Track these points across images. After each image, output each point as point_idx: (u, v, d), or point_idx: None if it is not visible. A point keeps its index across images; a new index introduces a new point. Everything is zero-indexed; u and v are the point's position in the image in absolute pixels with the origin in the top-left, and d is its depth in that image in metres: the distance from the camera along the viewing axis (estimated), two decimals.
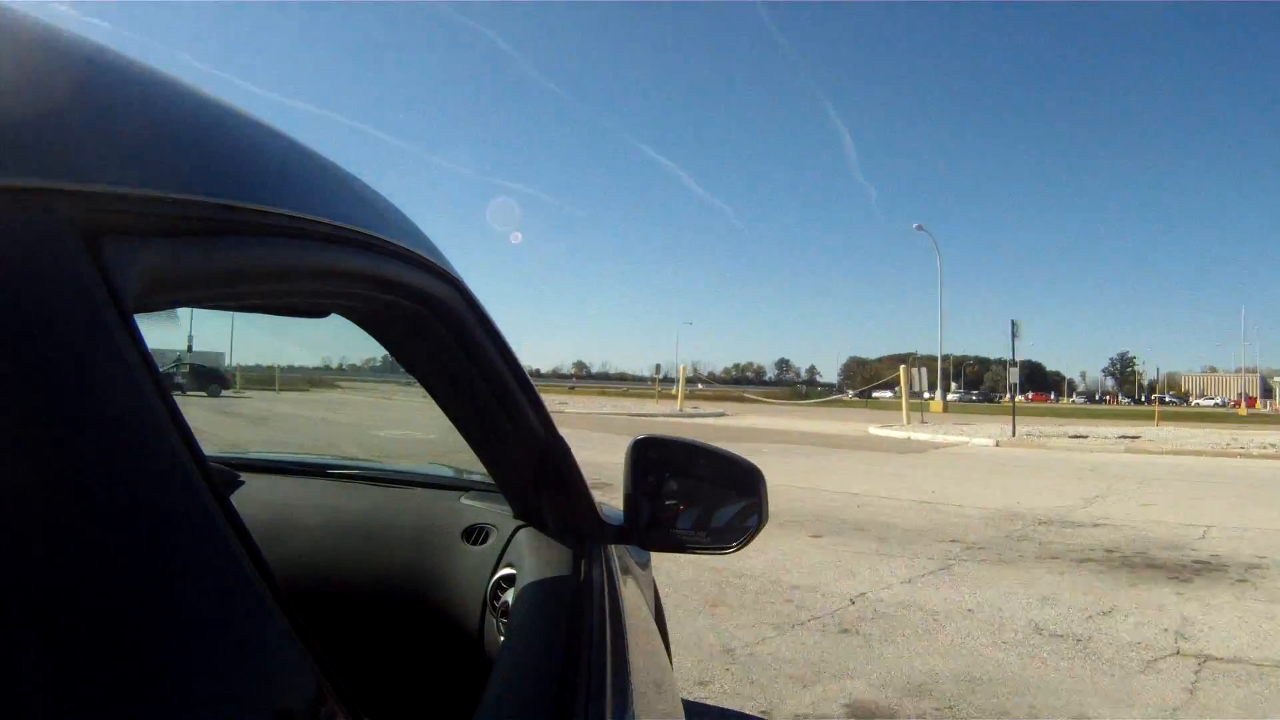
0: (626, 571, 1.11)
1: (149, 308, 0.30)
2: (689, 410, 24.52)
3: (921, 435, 15.14)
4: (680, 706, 1.01)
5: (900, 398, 20.52)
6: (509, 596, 0.94)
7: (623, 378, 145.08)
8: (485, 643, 1.02)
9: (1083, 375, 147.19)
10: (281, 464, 1.39)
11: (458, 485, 1.26)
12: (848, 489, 7.10)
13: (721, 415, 23.01)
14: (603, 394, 47.86)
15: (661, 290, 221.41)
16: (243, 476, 1.23)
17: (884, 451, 11.74)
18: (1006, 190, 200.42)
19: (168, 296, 0.31)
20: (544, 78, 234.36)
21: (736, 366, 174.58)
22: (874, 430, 16.63)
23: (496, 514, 1.11)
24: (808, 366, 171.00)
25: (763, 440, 12.85)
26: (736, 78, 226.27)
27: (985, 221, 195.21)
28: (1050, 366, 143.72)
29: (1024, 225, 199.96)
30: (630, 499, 0.87)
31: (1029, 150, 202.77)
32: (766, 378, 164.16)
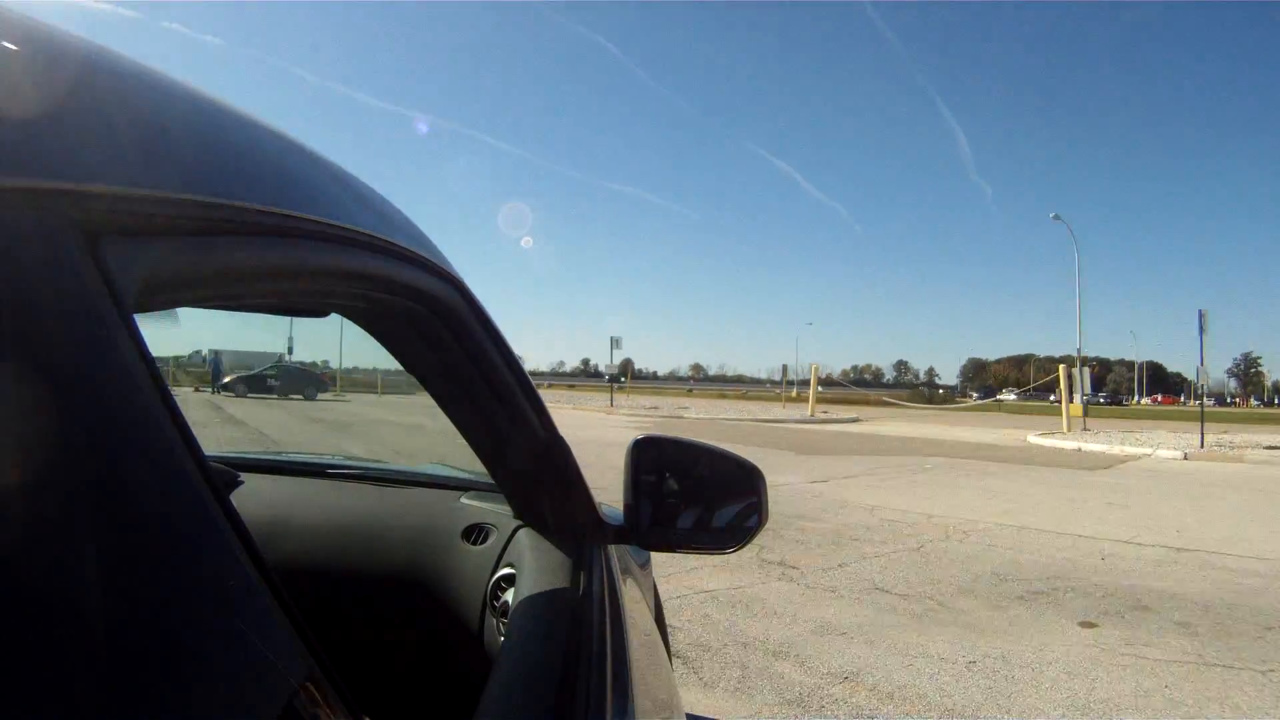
0: (626, 572, 1.10)
1: (149, 308, 0.30)
2: (820, 415, 22.09)
3: (1094, 446, 12.96)
4: (681, 707, 1.00)
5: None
6: (509, 596, 0.94)
7: (740, 380, 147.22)
8: (485, 643, 1.01)
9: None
10: (281, 464, 1.39)
11: (458, 485, 1.25)
12: (1067, 528, 5.55)
13: (856, 421, 20.78)
14: (721, 397, 45.39)
15: (777, 292, 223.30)
16: (243, 476, 1.24)
17: (1064, 468, 9.89)
18: (1121, 187, 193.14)
19: (168, 296, 0.31)
20: (655, 83, 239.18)
21: (854, 368, 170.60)
22: (1034, 439, 14.69)
23: (496, 514, 1.11)
24: (926, 368, 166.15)
25: (915, 451, 11.37)
26: (847, 78, 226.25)
27: (1101, 220, 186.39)
28: (1169, 367, 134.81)
29: (1139, 223, 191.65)
30: (630, 499, 0.87)
31: (1144, 145, 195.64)
32: (885, 380, 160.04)
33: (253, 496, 1.20)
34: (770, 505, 0.91)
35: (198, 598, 0.25)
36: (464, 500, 1.19)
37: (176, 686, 0.23)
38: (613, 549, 1.02)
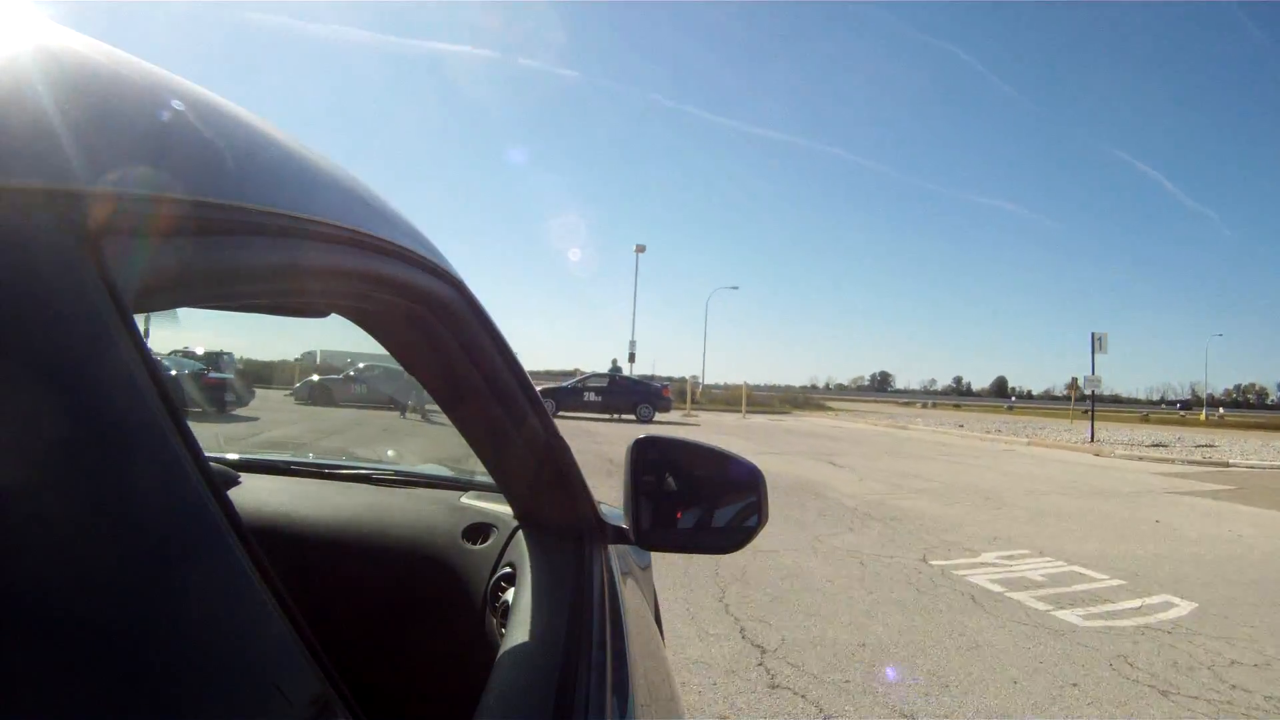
0: (627, 572, 1.11)
1: (149, 308, 0.30)
2: None
3: None
4: (681, 707, 1.00)
5: None
6: (509, 596, 0.94)
7: (1116, 399, 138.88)
8: (485, 643, 1.01)
9: None
10: (281, 464, 1.40)
11: (458, 485, 1.26)
12: None
13: None
14: (1145, 421, 40.02)
15: (1144, 304, 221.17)
16: (243, 476, 1.25)
17: None
18: None
19: (168, 296, 0.31)
20: (1011, 89, 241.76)
21: (1236, 387, 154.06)
22: None
23: (496, 514, 1.11)
24: None
25: None
26: (1210, 77, 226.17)
27: None
28: None
29: None
30: (630, 499, 0.87)
31: None
32: (1269, 401, 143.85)
33: (253, 496, 1.20)
34: None
35: (196, 598, 0.25)
36: (464, 500, 1.19)
37: (175, 687, 0.23)
38: (613, 549, 1.02)
